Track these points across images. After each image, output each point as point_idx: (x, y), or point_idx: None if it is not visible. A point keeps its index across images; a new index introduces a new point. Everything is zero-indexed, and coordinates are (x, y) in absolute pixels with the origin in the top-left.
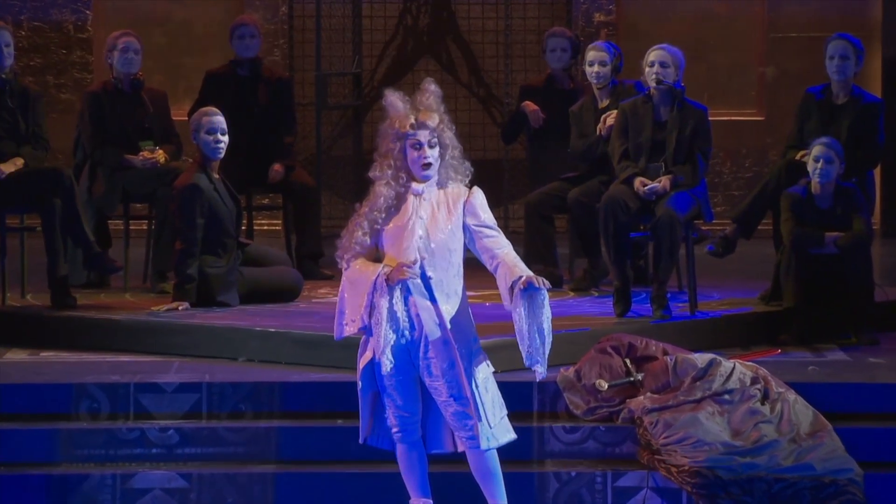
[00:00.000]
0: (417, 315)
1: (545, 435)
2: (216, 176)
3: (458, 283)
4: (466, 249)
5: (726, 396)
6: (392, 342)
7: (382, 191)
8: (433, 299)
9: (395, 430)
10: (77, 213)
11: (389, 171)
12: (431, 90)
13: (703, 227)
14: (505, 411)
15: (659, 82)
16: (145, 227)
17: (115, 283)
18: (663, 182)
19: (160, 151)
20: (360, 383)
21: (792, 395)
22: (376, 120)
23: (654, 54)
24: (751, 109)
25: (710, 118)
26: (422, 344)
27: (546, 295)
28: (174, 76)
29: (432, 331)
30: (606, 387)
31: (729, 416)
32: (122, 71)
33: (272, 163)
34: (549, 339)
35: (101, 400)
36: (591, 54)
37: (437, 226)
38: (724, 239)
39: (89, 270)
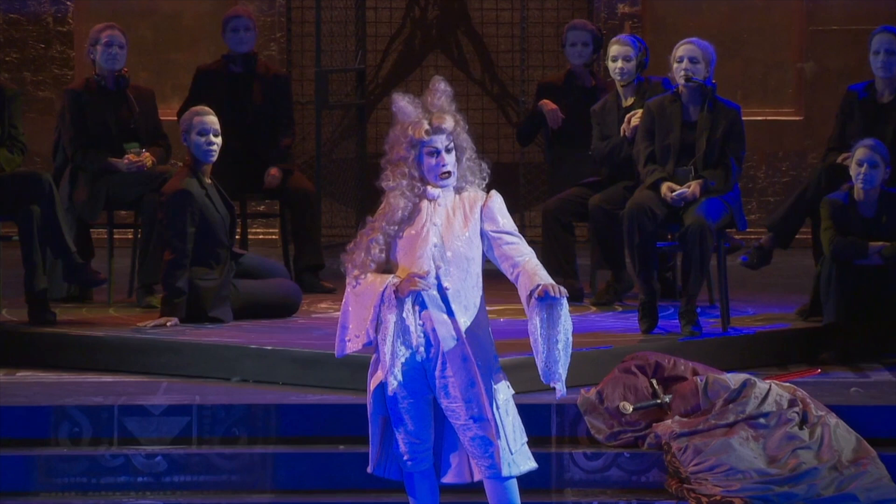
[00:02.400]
0: (433, 330)
1: (565, 462)
2: (208, 181)
3: (476, 295)
4: (486, 258)
5: (761, 420)
6: (403, 358)
7: (398, 203)
8: (450, 312)
9: (405, 457)
10: (57, 221)
11: (404, 182)
12: (442, 89)
13: (735, 237)
14: (525, 437)
15: (688, 79)
16: (131, 237)
17: (97, 297)
18: (693, 187)
19: (147, 154)
20: (370, 406)
21: (833, 419)
22: (381, 120)
23: (682, 49)
24: (788, 109)
25: (743, 118)
26: (438, 361)
27: (565, 304)
28: (162, 73)
29: (450, 347)
30: (631, 409)
31: (764, 442)
32: (105, 67)
33: (268, 167)
34: (568, 353)
35: (82, 424)
36: (614, 49)
37: (453, 233)
38: (759, 249)
39: (70, 283)
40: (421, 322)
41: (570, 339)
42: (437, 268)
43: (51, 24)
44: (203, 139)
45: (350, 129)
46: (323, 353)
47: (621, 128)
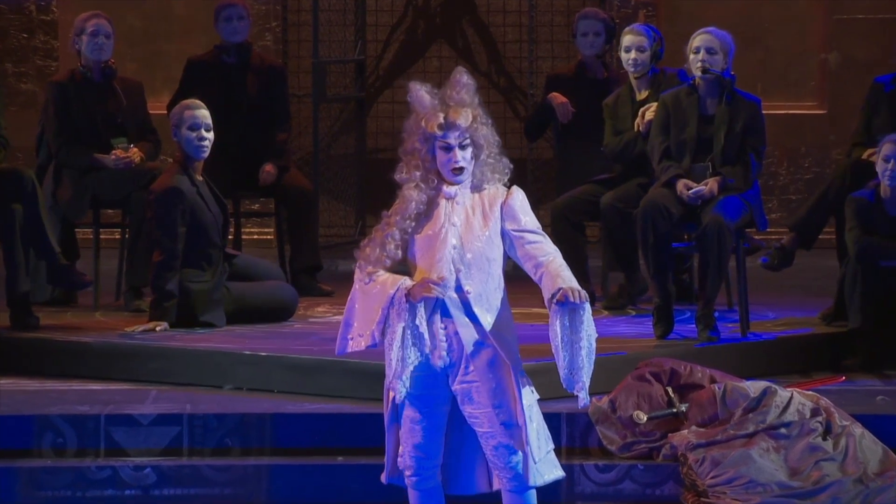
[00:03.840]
0: (456, 333)
1: (575, 474)
2: (199, 178)
3: (498, 297)
4: (508, 257)
5: (783, 430)
6: (412, 366)
7: (412, 195)
8: (473, 316)
9: (408, 472)
10: (40, 220)
11: (418, 173)
12: (463, 82)
13: (755, 237)
14: (551, 445)
15: (705, 71)
16: (118, 237)
17: (83, 301)
18: (710, 185)
19: (135, 150)
20: (386, 413)
21: (858, 429)
22: (381, 114)
23: (699, 39)
24: (811, 102)
25: (763, 111)
26: (461, 366)
27: (587, 310)
28: (151, 64)
29: (474, 351)
30: (645, 419)
31: (786, 453)
32: (91, 58)
33: (263, 163)
34: (591, 360)
35: (67, 434)
36: (627, 39)
37: (473, 233)
38: (781, 250)
39: (54, 286)
40: (443, 326)
41: (594, 345)
42: (457, 271)
43: (34, 12)
44: (194, 134)
45: (349, 124)
46: (320, 360)
47: (635, 122)
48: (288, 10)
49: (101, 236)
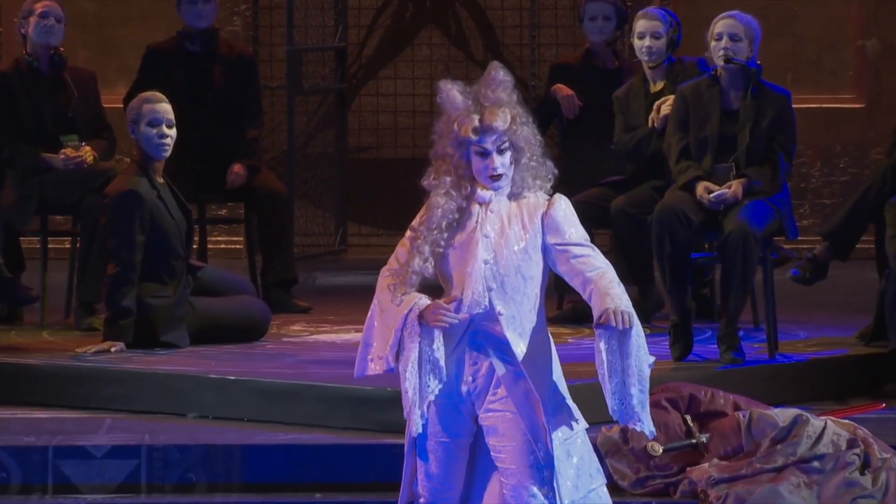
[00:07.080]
0: (487, 358)
1: None
2: (160, 180)
3: (535, 319)
4: (548, 269)
5: (815, 464)
6: (433, 395)
7: (439, 202)
8: (505, 341)
9: (421, 500)
10: None
11: (448, 179)
12: (500, 79)
13: (785, 246)
14: (599, 481)
15: (728, 60)
16: (68, 246)
17: (28, 318)
18: (734, 188)
19: (87, 148)
20: (406, 436)
21: None
22: (364, 108)
23: (721, 24)
24: (847, 94)
25: (794, 105)
26: (489, 394)
27: (635, 334)
28: (106, 52)
29: (507, 380)
30: (661, 451)
31: (819, 490)
32: (38, 42)
33: (232, 163)
34: (644, 388)
35: (10, 468)
36: (641, 24)
37: (508, 247)
38: (813, 261)
39: None
40: (473, 349)
41: (647, 372)
42: (489, 289)
43: None
44: (154, 131)
45: (328, 119)
46: (295, 384)
47: (649, 117)
48: None
49: (50, 246)
